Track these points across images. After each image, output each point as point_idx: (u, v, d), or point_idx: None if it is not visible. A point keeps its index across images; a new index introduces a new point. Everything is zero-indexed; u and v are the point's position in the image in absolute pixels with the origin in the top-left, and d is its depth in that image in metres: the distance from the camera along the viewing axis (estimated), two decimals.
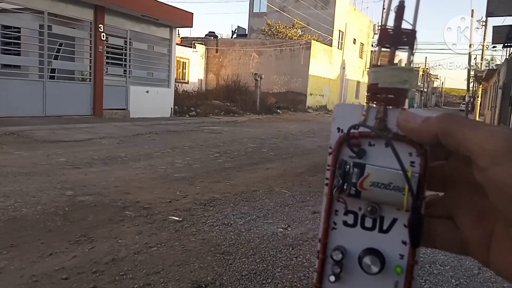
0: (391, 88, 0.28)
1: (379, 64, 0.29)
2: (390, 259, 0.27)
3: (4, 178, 3.82)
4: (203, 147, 6.61)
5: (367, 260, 0.27)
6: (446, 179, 0.29)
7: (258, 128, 10.55)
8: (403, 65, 0.29)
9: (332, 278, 0.28)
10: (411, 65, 0.29)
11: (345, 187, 0.27)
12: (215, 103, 14.77)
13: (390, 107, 0.28)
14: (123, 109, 10.87)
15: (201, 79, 20.37)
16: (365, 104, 0.28)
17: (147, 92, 11.41)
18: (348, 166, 0.27)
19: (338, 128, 0.29)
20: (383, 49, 0.29)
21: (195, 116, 12.72)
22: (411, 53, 0.28)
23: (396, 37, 0.28)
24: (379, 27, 0.30)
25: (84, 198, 3.33)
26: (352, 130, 0.28)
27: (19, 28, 9.12)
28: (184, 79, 18.58)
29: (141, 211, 3.09)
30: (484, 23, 19.03)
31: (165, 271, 2.13)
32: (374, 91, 0.28)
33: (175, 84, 13.12)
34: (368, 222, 0.28)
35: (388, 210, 0.28)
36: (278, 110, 17.01)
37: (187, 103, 13.52)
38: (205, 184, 4.13)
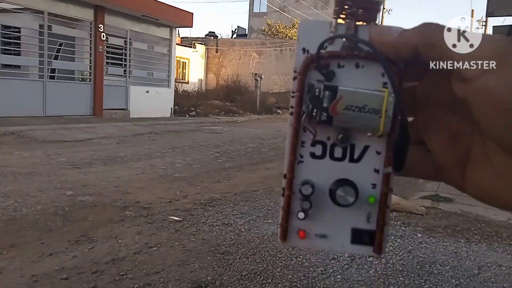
0: (362, 0, 0.25)
1: None
2: (362, 189, 0.25)
3: (4, 178, 3.82)
4: (203, 147, 6.61)
5: (340, 191, 0.25)
6: (417, 102, 0.27)
7: (258, 128, 10.55)
8: None
9: (301, 215, 0.26)
10: None
11: (314, 113, 0.24)
12: (215, 103, 14.77)
13: (361, 23, 0.25)
14: (123, 109, 10.87)
15: (201, 79, 20.38)
16: (332, 19, 0.25)
17: (147, 92, 11.42)
18: (317, 90, 0.24)
19: (304, 49, 0.25)
20: None
21: (195, 116, 12.72)
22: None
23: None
24: None
25: (84, 198, 3.33)
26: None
27: (19, 28, 9.13)
28: (184, 79, 18.59)
29: (141, 211, 3.09)
30: (484, 23, 19.04)
31: (165, 271, 2.13)
32: (342, 4, 0.25)
33: (175, 84, 13.13)
34: (338, 152, 0.26)
35: (359, 137, 0.25)
36: (278, 110, 17.01)
37: (187, 103, 13.53)
38: (205, 184, 4.13)
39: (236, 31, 27.10)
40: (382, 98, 0.24)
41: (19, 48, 8.94)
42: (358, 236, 0.26)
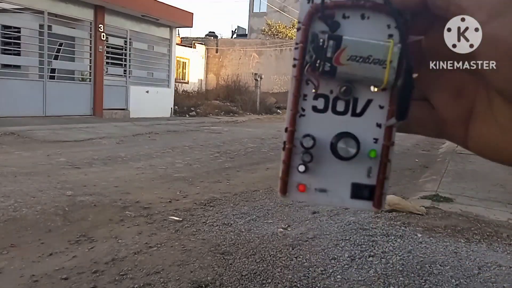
0: None
1: None
2: (363, 143, 0.24)
3: (4, 178, 3.82)
4: (203, 147, 6.61)
5: (342, 143, 0.24)
6: (423, 56, 0.26)
7: (258, 128, 10.55)
8: None
9: (302, 168, 0.25)
10: None
11: (318, 64, 0.24)
12: (215, 103, 14.77)
13: None
14: (123, 109, 10.87)
15: (201, 79, 20.38)
16: None
17: (147, 92, 11.42)
18: (322, 40, 0.24)
19: None
20: None
21: (195, 116, 12.72)
22: None
23: None
24: None
25: (84, 198, 3.33)
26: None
27: (19, 28, 9.13)
28: (184, 79, 18.59)
29: (141, 211, 3.08)
30: None
31: (165, 271, 2.13)
32: None
33: (175, 84, 13.13)
34: (340, 106, 0.25)
35: (362, 90, 0.25)
36: (278, 110, 17.01)
37: (187, 103, 13.53)
38: (205, 184, 4.13)
39: (236, 31, 27.10)
40: (387, 48, 0.23)
41: (19, 48, 8.94)
42: (358, 191, 0.25)
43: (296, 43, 0.25)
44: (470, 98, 0.25)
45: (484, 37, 0.21)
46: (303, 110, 0.25)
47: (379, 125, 0.25)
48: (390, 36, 0.24)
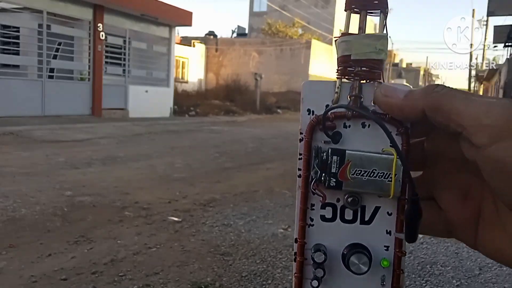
0: (365, 59, 0.24)
1: (349, 32, 0.25)
2: (375, 252, 0.25)
3: (3, 178, 3.81)
4: (203, 147, 6.60)
5: (354, 259, 0.24)
6: (427, 157, 0.26)
7: (258, 128, 10.54)
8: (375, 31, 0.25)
9: (315, 283, 0.25)
10: (385, 31, 0.25)
11: (323, 178, 0.24)
12: (215, 102, 14.76)
13: (365, 81, 0.25)
14: (122, 108, 10.86)
15: (201, 79, 20.36)
16: (336, 79, 0.25)
17: (146, 91, 11.40)
18: (325, 154, 0.24)
19: (309, 110, 0.25)
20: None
21: (195, 116, 12.71)
22: (384, 17, 0.25)
23: None
24: None
25: (83, 199, 3.32)
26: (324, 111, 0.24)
27: (18, 27, 9.11)
28: (184, 79, 18.57)
29: (140, 212, 3.07)
30: (485, 23, 19.04)
31: (165, 272, 2.12)
32: (345, 64, 0.25)
33: (174, 84, 13.11)
34: (349, 214, 0.25)
35: (369, 198, 0.25)
36: (278, 110, 17.00)
37: (187, 102, 13.51)
38: (205, 184, 4.12)
39: (236, 31, 27.08)
40: (391, 161, 0.23)
41: (18, 47, 8.92)
42: None
43: (300, 154, 0.25)
44: (477, 201, 0.24)
45: (486, 159, 0.21)
46: (312, 220, 0.26)
47: (389, 232, 0.25)
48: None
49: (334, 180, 0.24)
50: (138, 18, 10.97)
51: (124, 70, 11.07)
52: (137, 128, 8.66)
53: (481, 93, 26.00)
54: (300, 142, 0.25)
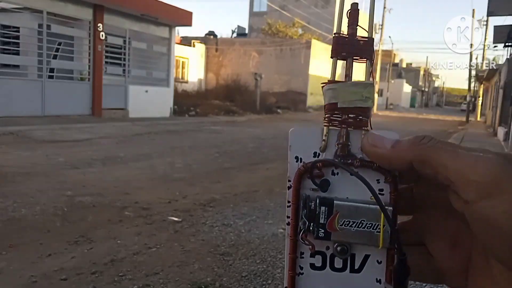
0: (352, 107, 0.25)
1: (335, 80, 0.26)
2: None
3: (3, 178, 3.81)
4: (203, 147, 6.60)
5: None
6: (416, 202, 0.26)
7: (258, 128, 10.54)
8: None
9: None
10: (371, 78, 0.25)
11: (311, 228, 0.24)
12: (215, 102, 14.76)
13: (352, 128, 0.25)
14: (122, 108, 10.85)
15: (201, 79, 20.36)
16: (323, 127, 0.25)
17: (146, 91, 11.39)
18: (313, 204, 0.24)
19: (297, 157, 0.25)
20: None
21: (195, 116, 12.71)
22: (371, 65, 0.25)
23: (352, 46, 0.25)
24: (333, 35, 0.27)
25: (83, 199, 3.32)
26: (311, 160, 0.25)
27: (18, 27, 9.10)
28: (184, 79, 18.56)
29: (140, 212, 3.07)
30: (485, 23, 19.03)
31: (165, 272, 2.12)
32: (332, 111, 0.25)
33: (174, 84, 13.10)
34: (338, 263, 0.25)
35: (358, 246, 0.25)
36: (278, 110, 17.00)
37: (187, 102, 13.51)
38: (205, 184, 4.12)
39: (236, 30, 27.07)
40: (379, 212, 0.24)
41: (18, 47, 8.92)
42: None
43: (288, 201, 0.25)
44: (466, 249, 0.24)
45: (474, 215, 0.21)
46: (301, 268, 0.25)
47: (378, 281, 0.25)
48: (381, 191, 0.24)
49: (323, 230, 0.24)
50: (138, 18, 10.97)
51: (124, 70, 11.07)
52: (137, 128, 8.65)
53: (481, 93, 25.96)
54: (288, 189, 0.25)
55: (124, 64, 11.02)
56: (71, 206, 3.10)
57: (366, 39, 0.25)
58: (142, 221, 2.87)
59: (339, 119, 0.25)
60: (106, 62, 10.67)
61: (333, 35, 0.26)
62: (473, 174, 0.20)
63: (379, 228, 0.24)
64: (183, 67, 18.78)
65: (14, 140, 6.21)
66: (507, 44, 11.99)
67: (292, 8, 22.97)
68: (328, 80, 0.26)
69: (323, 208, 0.24)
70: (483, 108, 24.92)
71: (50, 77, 9.39)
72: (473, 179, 0.20)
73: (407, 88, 44.08)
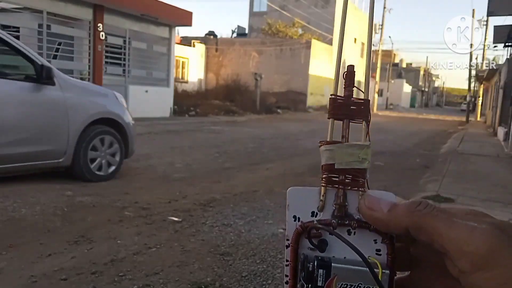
0: (349, 168, 0.25)
1: (333, 140, 0.26)
2: None
3: (3, 178, 3.80)
4: (203, 147, 6.60)
5: None
6: (413, 260, 0.26)
7: (258, 128, 10.53)
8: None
9: None
10: (368, 138, 0.26)
11: None
12: (215, 102, 14.76)
13: (349, 187, 0.25)
14: None
15: (201, 79, 20.35)
16: (321, 187, 0.26)
17: (146, 91, 11.39)
18: (311, 265, 0.24)
19: (294, 216, 0.26)
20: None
21: (195, 116, 12.71)
22: (367, 126, 0.26)
23: (348, 108, 0.26)
24: (330, 96, 0.27)
25: (83, 199, 3.32)
26: (309, 219, 0.25)
27: (18, 27, 9.10)
28: (184, 79, 18.56)
29: (140, 212, 3.07)
30: (485, 23, 19.02)
31: (165, 272, 2.12)
32: (330, 172, 0.26)
33: (174, 84, 13.10)
34: None
35: None
36: (278, 110, 17.00)
37: (187, 102, 13.51)
38: (205, 184, 4.12)
39: (236, 31, 27.07)
40: (375, 276, 0.24)
41: None
42: None
43: (287, 260, 0.25)
44: None
45: (468, 285, 0.21)
46: None
47: None
48: (378, 251, 0.25)
49: None
50: (138, 18, 10.97)
51: (124, 70, 11.07)
52: (137, 128, 8.63)
53: (481, 93, 25.92)
54: (286, 248, 0.26)
55: (124, 64, 11.02)
56: (71, 206, 3.10)
57: (362, 101, 0.26)
58: (142, 221, 2.87)
59: (336, 179, 0.25)
60: (106, 62, 10.67)
61: (330, 96, 0.27)
62: (468, 245, 0.20)
63: None
64: (183, 67, 18.78)
65: None
66: (507, 44, 11.99)
67: (292, 8, 22.96)
68: (326, 141, 0.26)
69: (321, 271, 0.24)
70: (483, 108, 24.92)
71: None
72: (468, 250, 0.20)
73: (407, 88, 44.07)
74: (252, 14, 25.26)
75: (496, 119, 13.52)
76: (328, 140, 0.26)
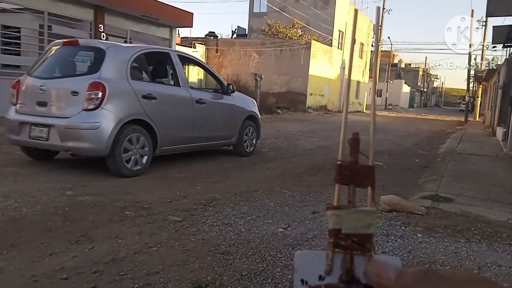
0: (356, 234, 0.26)
1: (340, 206, 0.27)
2: None
3: (4, 178, 3.82)
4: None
5: None
6: None
7: None
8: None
9: None
10: (374, 205, 0.27)
11: None
12: None
13: (356, 252, 0.26)
14: None
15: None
16: (329, 251, 0.26)
17: None
18: None
19: (302, 280, 0.26)
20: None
21: None
22: (372, 191, 0.27)
23: (354, 174, 0.26)
24: (336, 162, 0.27)
25: (84, 198, 3.33)
26: (317, 283, 0.25)
27: (19, 28, 9.12)
28: None
29: (141, 211, 3.08)
30: (484, 23, 19.05)
31: (165, 271, 2.13)
32: (337, 237, 0.26)
33: None
34: None
35: None
36: (278, 110, 17.00)
37: None
38: (205, 184, 4.13)
39: (236, 31, 27.09)
40: None
41: (19, 48, 8.93)
42: None
43: None
44: None
45: None
46: None
47: None
48: None
49: None
50: (139, 19, 10.99)
51: None
52: None
53: (480, 93, 25.89)
54: None
55: None
56: (72, 206, 3.11)
57: (368, 167, 0.27)
58: (143, 221, 2.88)
59: (344, 244, 0.26)
60: None
61: (337, 162, 0.27)
62: None
63: None
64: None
65: None
66: (506, 44, 12.00)
67: (291, 9, 22.98)
68: (333, 206, 0.27)
69: None
70: (482, 108, 24.93)
71: None
72: None
73: (406, 89, 44.06)
74: (252, 15, 25.28)
75: (495, 119, 13.52)
76: (335, 205, 0.27)
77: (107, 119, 3.94)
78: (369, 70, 30.21)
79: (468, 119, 20.47)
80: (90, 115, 3.92)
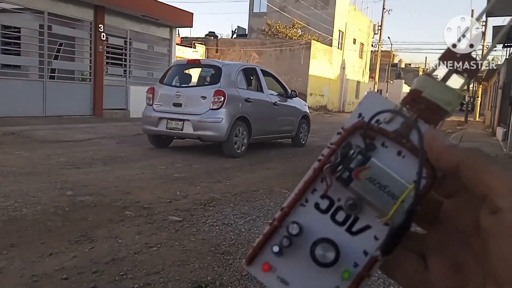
0: (433, 102, 0.25)
1: (432, 75, 0.27)
2: (343, 260, 0.24)
3: (4, 178, 3.82)
4: (203, 147, 6.61)
5: (321, 247, 0.24)
6: (437, 219, 0.26)
7: None
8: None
9: (276, 249, 0.24)
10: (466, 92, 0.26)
11: (338, 168, 0.24)
12: None
13: (423, 120, 0.25)
14: (123, 109, 10.87)
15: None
16: (399, 104, 0.26)
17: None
18: (352, 151, 0.24)
19: (360, 114, 0.26)
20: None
21: None
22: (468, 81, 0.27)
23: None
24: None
25: (84, 198, 3.33)
26: (372, 122, 0.25)
27: (19, 28, 9.13)
28: None
29: (141, 211, 3.08)
30: (484, 23, 19.04)
31: (165, 271, 2.13)
32: (414, 97, 0.26)
33: None
34: (340, 216, 0.25)
35: (366, 214, 0.25)
36: None
37: None
38: (205, 184, 4.13)
39: (236, 31, 27.09)
40: (405, 188, 0.24)
41: (19, 48, 8.94)
42: None
43: (331, 143, 0.26)
44: (466, 277, 0.24)
45: (503, 221, 0.20)
46: (306, 201, 0.26)
47: (365, 253, 0.25)
48: (415, 182, 0.24)
49: (348, 174, 0.24)
50: (139, 19, 10.99)
51: (125, 71, 11.09)
52: (138, 128, 8.65)
53: (480, 93, 25.89)
54: (336, 134, 0.26)
55: (125, 65, 11.04)
56: (72, 206, 3.12)
57: None
58: (143, 221, 2.88)
59: (417, 106, 0.25)
60: (107, 63, 10.70)
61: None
62: None
63: (397, 201, 0.24)
64: None
65: (15, 140, 6.22)
66: (506, 44, 12.00)
67: (291, 9, 22.98)
68: (426, 73, 0.27)
69: (359, 156, 0.24)
70: (482, 108, 24.93)
71: (51, 77, 9.41)
72: None
73: (406, 89, 44.06)
74: (252, 15, 25.29)
75: (495, 119, 13.53)
76: (428, 73, 0.27)
77: (226, 116, 5.52)
78: (369, 70, 30.20)
79: (468, 119, 20.48)
80: (215, 113, 5.50)
